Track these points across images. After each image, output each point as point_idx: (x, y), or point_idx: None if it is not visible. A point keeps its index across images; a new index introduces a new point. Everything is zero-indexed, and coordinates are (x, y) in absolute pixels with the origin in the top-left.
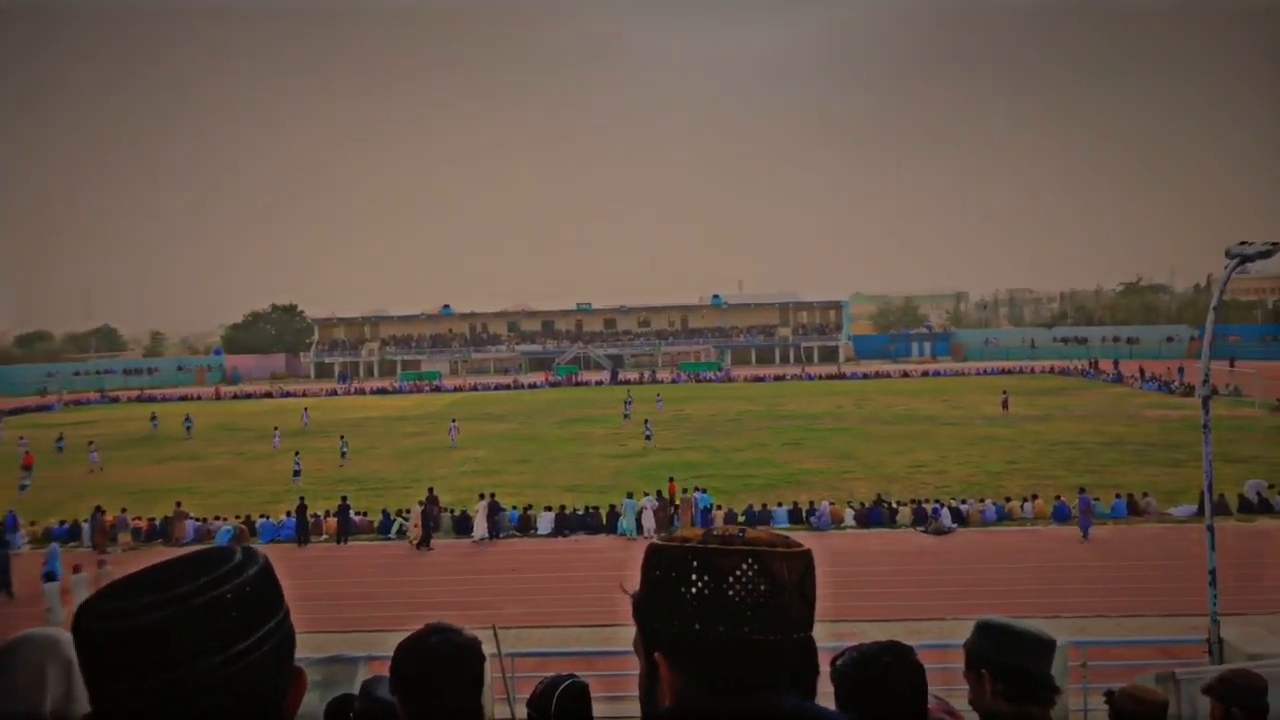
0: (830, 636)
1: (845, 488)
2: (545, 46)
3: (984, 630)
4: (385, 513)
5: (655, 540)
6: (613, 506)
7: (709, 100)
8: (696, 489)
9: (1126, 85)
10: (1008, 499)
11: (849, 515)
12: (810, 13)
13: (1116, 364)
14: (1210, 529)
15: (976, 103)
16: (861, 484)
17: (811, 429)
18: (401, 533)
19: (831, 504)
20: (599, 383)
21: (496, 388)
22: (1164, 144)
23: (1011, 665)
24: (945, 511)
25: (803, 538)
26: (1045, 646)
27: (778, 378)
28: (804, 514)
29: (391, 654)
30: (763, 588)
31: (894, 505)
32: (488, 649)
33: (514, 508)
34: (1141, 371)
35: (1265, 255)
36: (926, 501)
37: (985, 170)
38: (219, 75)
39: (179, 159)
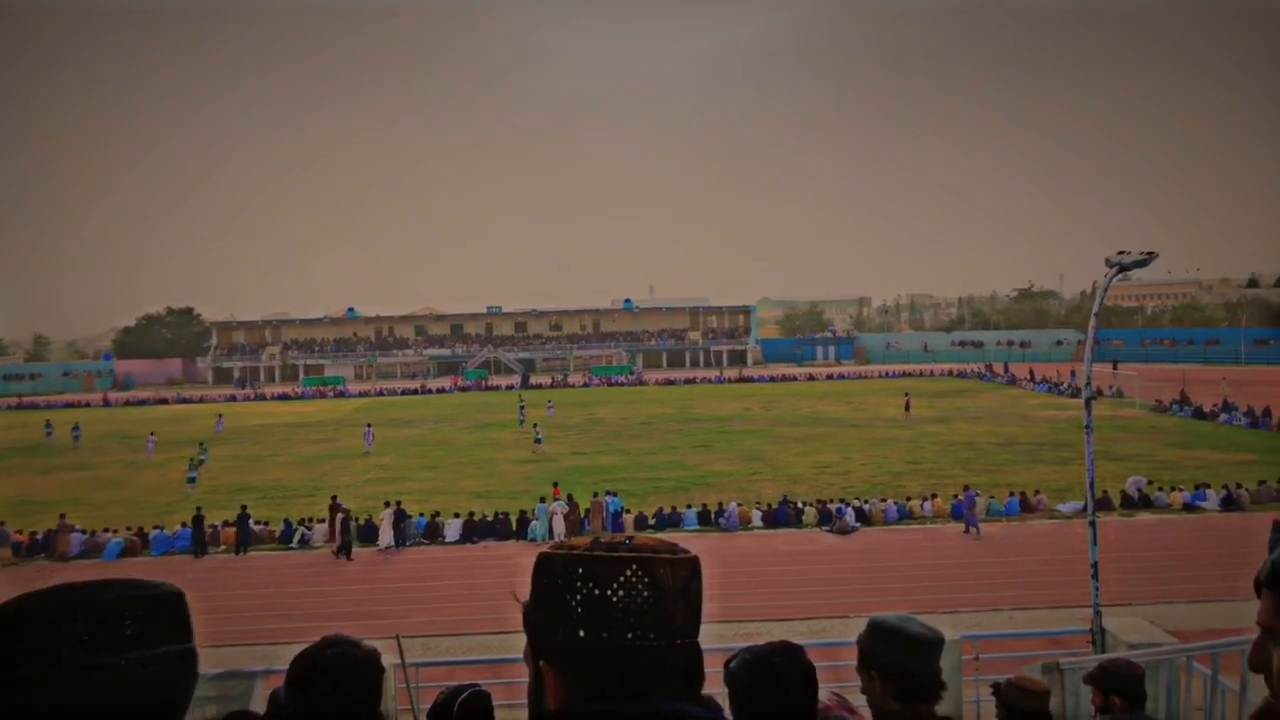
0: (738, 637)
1: (753, 489)
2: (465, 52)
3: (874, 631)
4: (287, 522)
5: (543, 549)
6: (524, 512)
7: (627, 107)
8: (608, 493)
9: (1035, 98)
10: (908, 498)
11: (756, 516)
12: (736, 18)
13: (1006, 367)
14: (1092, 524)
15: (889, 114)
16: (769, 485)
17: (721, 432)
18: (304, 542)
19: (740, 505)
20: (509, 387)
21: (403, 393)
22: (1056, 158)
23: (899, 666)
24: (849, 511)
25: (712, 539)
26: (932, 646)
27: (688, 381)
28: (713, 515)
29: (288, 667)
30: (647, 594)
31: (800, 506)
32: (390, 659)
33: (421, 515)
34: (1032, 373)
35: (1142, 264)
36: (831, 502)
37: (889, 181)
38: (97, 72)
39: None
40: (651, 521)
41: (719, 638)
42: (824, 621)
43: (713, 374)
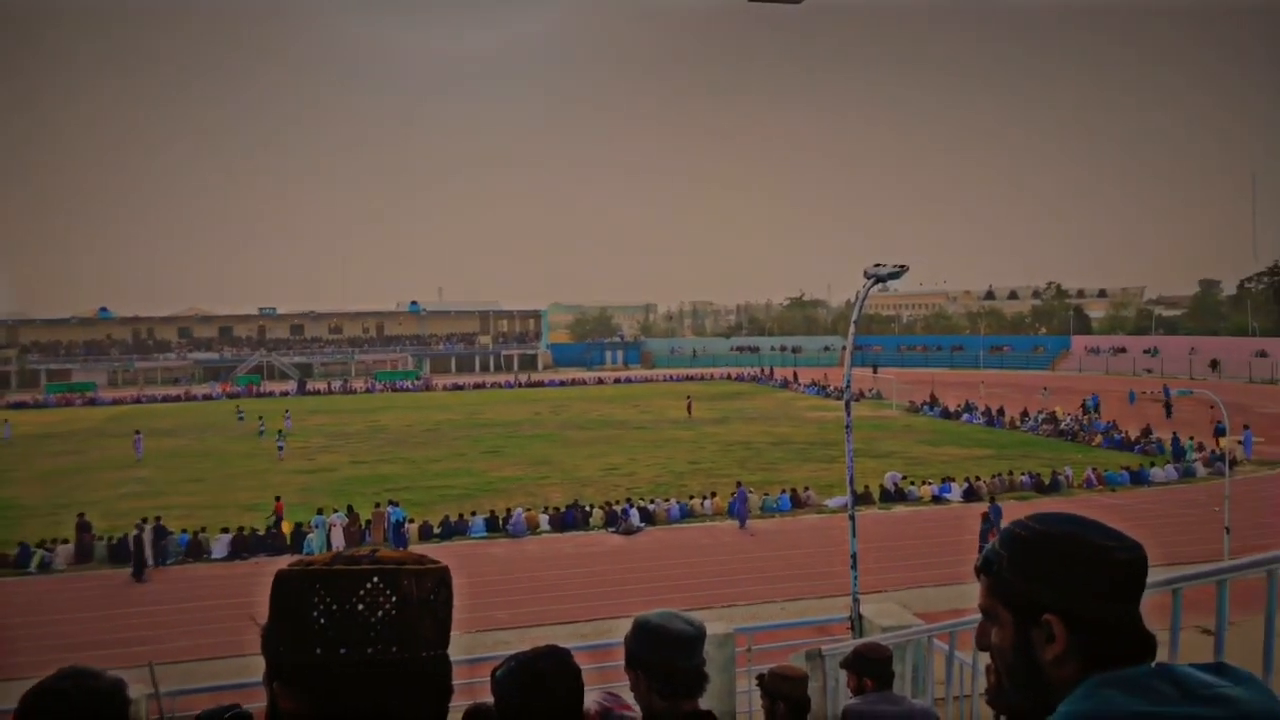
0: (526, 641)
1: (542, 494)
2: (232, 45)
3: (638, 630)
4: (23, 545)
5: (281, 567)
6: (299, 525)
7: (415, 102)
8: (390, 503)
9: (819, 111)
10: (691, 497)
11: (544, 520)
12: (529, 15)
13: (773, 371)
14: (852, 518)
15: (684, 123)
16: (558, 489)
17: (510, 437)
18: (45, 566)
19: (527, 510)
20: (285, 393)
21: (165, 399)
22: (828, 175)
23: (662, 664)
24: (634, 512)
25: (500, 545)
26: (693, 641)
27: (478, 386)
28: (501, 522)
29: (16, 706)
30: (389, 607)
31: (587, 509)
32: (142, 689)
33: (184, 531)
34: (795, 376)
35: (895, 276)
36: (617, 503)
37: (675, 191)
38: None
39: None
40: (437, 530)
41: (504, 645)
42: (608, 622)
43: (503, 378)
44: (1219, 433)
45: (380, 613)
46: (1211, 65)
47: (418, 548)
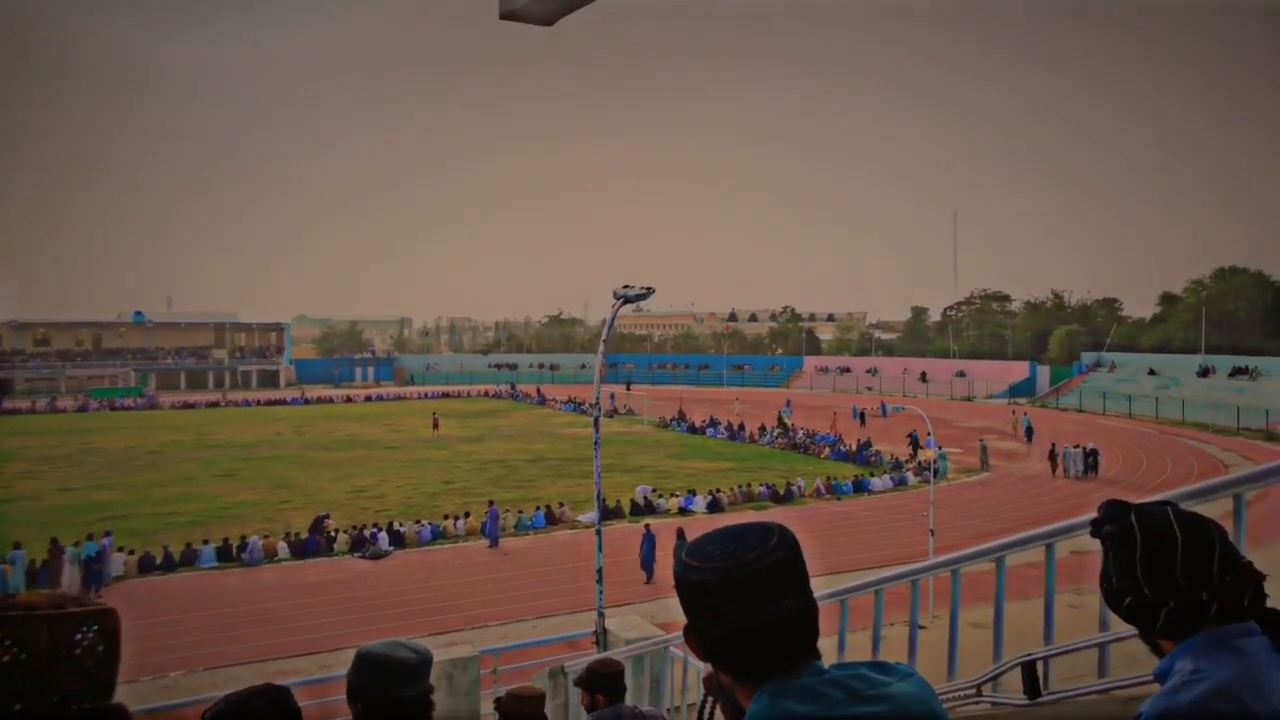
0: (258, 676)
1: (282, 519)
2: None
3: (359, 661)
4: None
5: None
6: None
7: (138, 100)
8: (106, 534)
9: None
10: (446, 517)
11: (283, 548)
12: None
13: (514, 387)
14: (598, 533)
15: (439, 137)
16: (299, 514)
17: (247, 459)
18: None
19: (264, 537)
20: None
21: None
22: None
23: (383, 695)
24: (383, 535)
25: (235, 574)
26: (416, 669)
27: (211, 404)
28: (234, 550)
29: None
30: (6, 658)
31: (331, 533)
32: None
33: None
34: (539, 391)
35: (642, 298)
36: (365, 527)
37: (436, 202)
38: None
39: None
40: (159, 562)
41: (236, 681)
42: (349, 652)
43: (240, 396)
44: (914, 443)
45: (6, 664)
46: (909, 107)
47: (134, 582)
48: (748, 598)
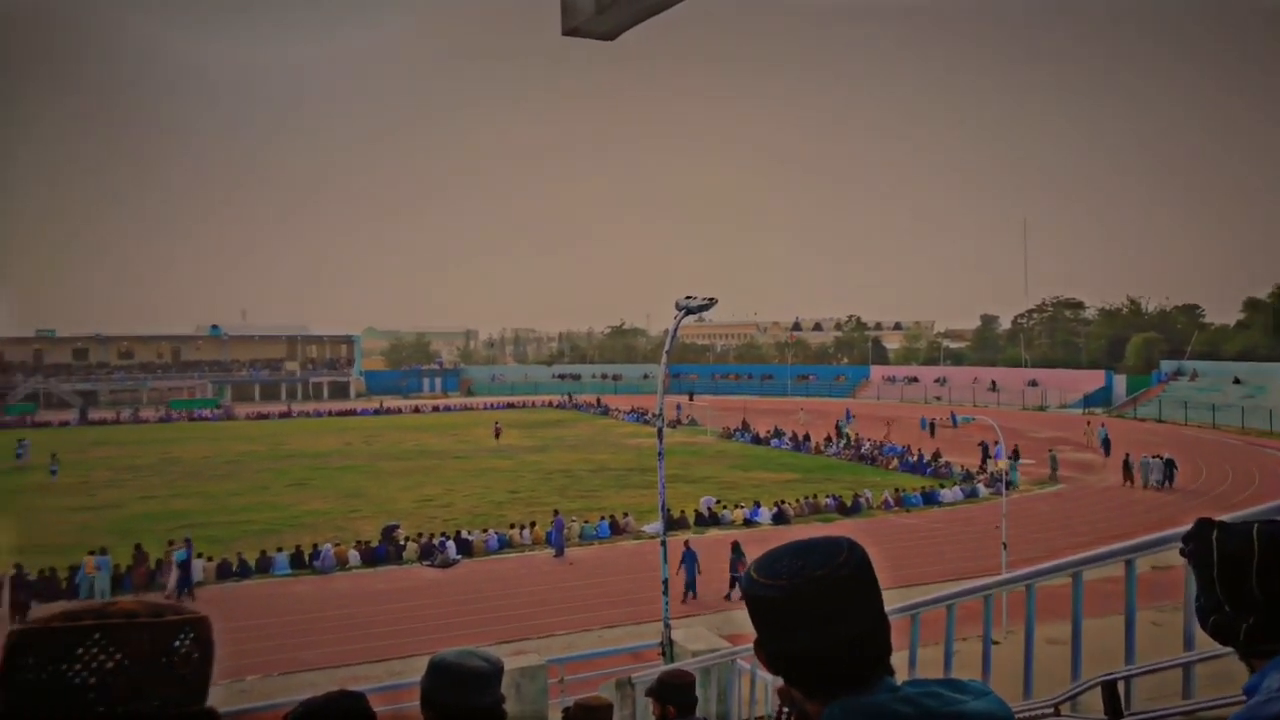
0: (332, 682)
1: (352, 527)
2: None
3: (432, 669)
4: None
5: (14, 626)
6: (73, 568)
7: (215, 115)
8: (186, 540)
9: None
10: (510, 527)
11: (354, 555)
12: (348, 31)
13: (571, 397)
14: (663, 544)
15: (500, 152)
16: (369, 523)
17: (318, 468)
18: None
19: (336, 545)
20: (65, 423)
21: None
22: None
23: (456, 703)
24: (451, 544)
25: (307, 581)
26: (488, 678)
27: (284, 415)
28: (307, 558)
29: None
30: (111, 665)
31: (401, 542)
32: None
33: None
34: (599, 401)
35: (705, 308)
36: (433, 536)
37: (500, 215)
38: None
39: None
40: (235, 568)
41: (310, 687)
42: (420, 659)
43: (311, 407)
44: (986, 455)
45: (101, 673)
46: (991, 116)
47: (214, 589)
48: (815, 615)
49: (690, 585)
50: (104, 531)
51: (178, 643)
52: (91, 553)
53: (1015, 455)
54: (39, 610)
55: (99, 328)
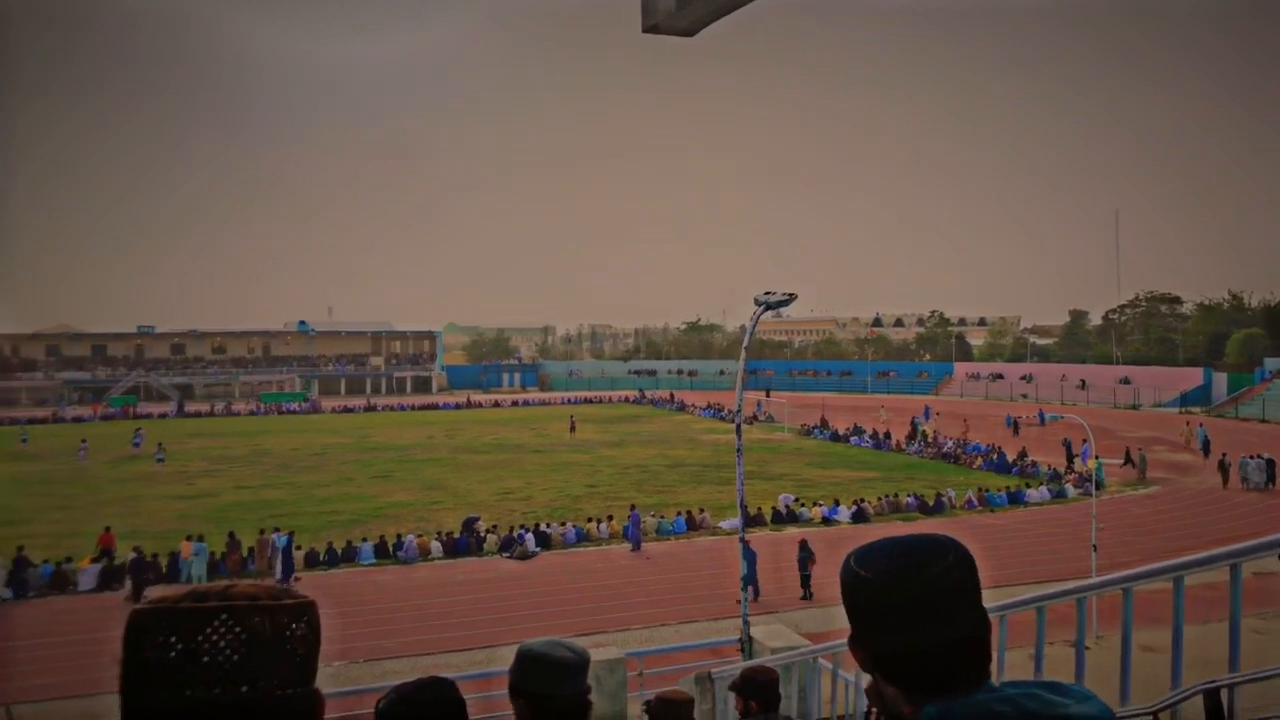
0: (414, 670)
1: (434, 519)
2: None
3: (520, 659)
4: None
5: (136, 606)
6: (174, 554)
7: (300, 118)
8: (275, 530)
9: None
10: (588, 520)
11: (436, 547)
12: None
13: (643, 393)
14: (742, 540)
15: (577, 151)
16: (450, 514)
17: (401, 461)
18: None
19: (418, 536)
20: (163, 415)
21: (30, 421)
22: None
23: (543, 693)
24: (529, 536)
25: (390, 571)
26: (575, 670)
27: (368, 409)
28: (391, 548)
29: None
30: (237, 645)
31: (481, 534)
32: None
33: (46, 561)
34: (671, 396)
35: (784, 304)
36: (513, 528)
37: (573, 210)
38: None
39: None
40: (323, 558)
41: (394, 675)
42: (501, 649)
43: (395, 401)
44: (1070, 454)
45: (228, 651)
46: (1079, 108)
47: (303, 576)
48: (925, 614)
49: (747, 581)
50: (200, 519)
51: (295, 625)
52: (189, 538)
53: (1097, 455)
54: (153, 592)
55: (195, 324)
